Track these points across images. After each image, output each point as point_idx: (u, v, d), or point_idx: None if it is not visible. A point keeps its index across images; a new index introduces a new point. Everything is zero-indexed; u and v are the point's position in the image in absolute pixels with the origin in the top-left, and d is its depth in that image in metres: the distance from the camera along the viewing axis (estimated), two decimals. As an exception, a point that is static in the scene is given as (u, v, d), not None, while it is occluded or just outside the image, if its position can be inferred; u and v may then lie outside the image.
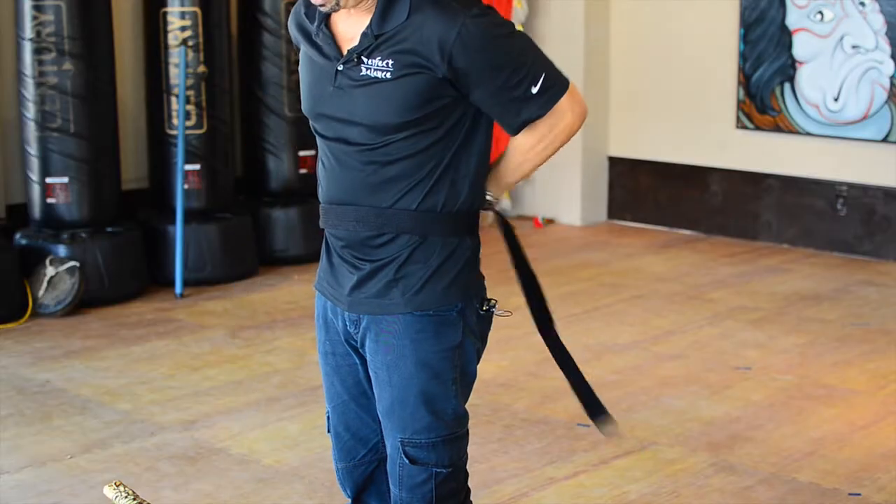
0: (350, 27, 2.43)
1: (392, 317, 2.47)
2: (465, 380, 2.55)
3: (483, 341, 2.58)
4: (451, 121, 2.42)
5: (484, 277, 2.57)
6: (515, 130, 2.45)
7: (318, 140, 2.54)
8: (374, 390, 2.55)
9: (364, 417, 2.63)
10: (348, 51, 2.42)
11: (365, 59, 2.39)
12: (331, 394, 2.66)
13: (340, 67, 2.43)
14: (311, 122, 2.55)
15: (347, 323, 2.54)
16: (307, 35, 2.51)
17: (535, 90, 2.39)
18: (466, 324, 2.50)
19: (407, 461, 2.50)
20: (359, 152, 2.44)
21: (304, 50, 2.53)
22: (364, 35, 2.40)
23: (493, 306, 2.55)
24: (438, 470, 2.51)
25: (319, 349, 2.66)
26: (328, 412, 2.69)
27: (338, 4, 2.38)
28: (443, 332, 2.47)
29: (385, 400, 2.51)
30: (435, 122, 2.40)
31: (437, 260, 2.46)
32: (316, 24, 2.47)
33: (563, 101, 2.43)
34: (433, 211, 2.44)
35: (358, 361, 2.59)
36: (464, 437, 2.56)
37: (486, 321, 2.56)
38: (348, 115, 2.42)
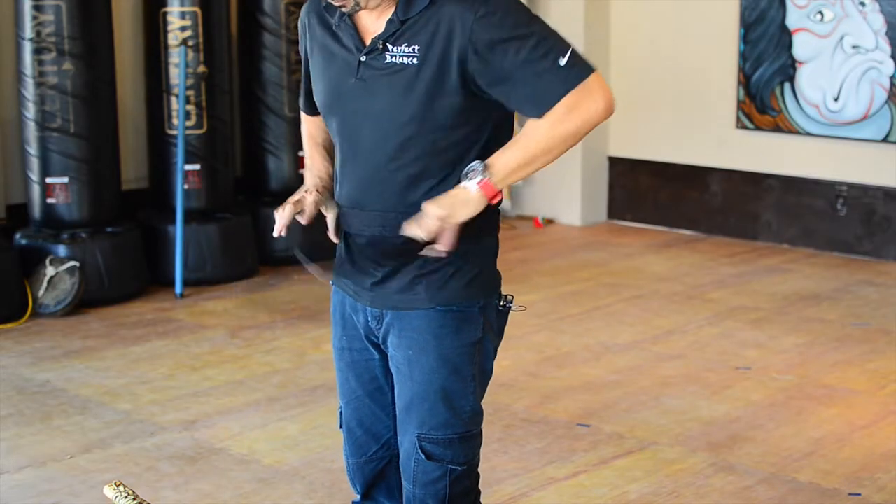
0: (373, 21, 2.41)
1: (415, 312, 2.47)
2: (483, 377, 2.55)
3: (500, 338, 2.58)
4: (475, 119, 2.38)
5: (500, 274, 2.57)
6: (542, 109, 2.31)
7: (337, 138, 2.51)
8: (395, 386, 2.54)
9: (378, 413, 2.63)
10: (373, 39, 2.39)
11: (390, 47, 2.36)
12: (345, 389, 2.65)
13: (363, 58, 2.39)
14: (327, 119, 2.51)
15: (369, 318, 2.53)
16: (327, 26, 2.48)
17: (563, 62, 2.30)
18: (487, 320, 2.50)
19: (423, 457, 2.50)
20: (380, 149, 2.41)
21: (321, 42, 2.49)
22: (390, 21, 2.37)
23: (511, 302, 2.55)
24: (454, 467, 2.51)
25: (335, 344, 2.65)
26: (341, 408, 2.68)
27: (358, 5, 2.36)
28: (464, 328, 2.47)
29: (405, 395, 2.51)
30: (458, 119, 2.36)
31: (462, 257, 2.44)
32: (338, 15, 2.44)
33: (593, 79, 2.31)
34: None
35: (377, 357, 2.58)
36: (478, 436, 2.56)
37: (503, 317, 2.56)
38: (370, 107, 2.40)
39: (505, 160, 2.35)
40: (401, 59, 2.35)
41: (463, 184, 2.35)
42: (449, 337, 2.46)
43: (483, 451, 4.08)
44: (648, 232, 7.69)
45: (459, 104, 2.35)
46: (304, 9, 2.57)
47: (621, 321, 5.69)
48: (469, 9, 2.31)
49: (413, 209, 2.38)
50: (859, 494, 3.78)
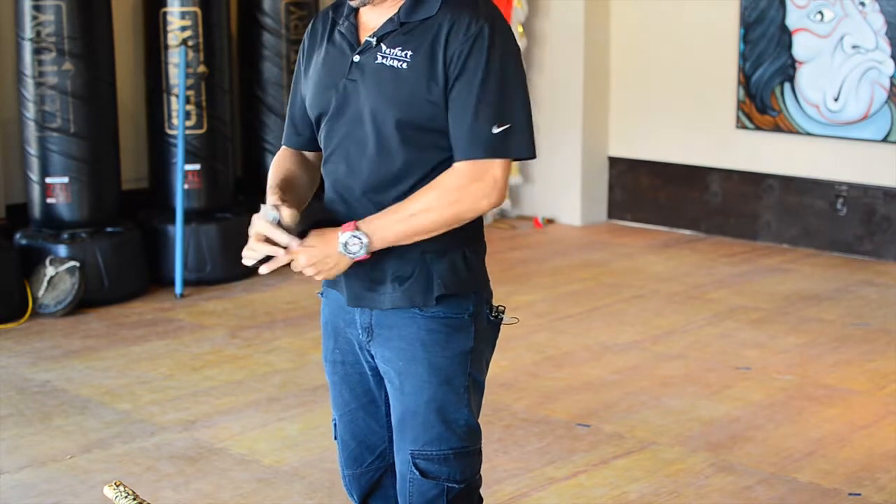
0: (375, 18, 2.40)
1: (402, 319, 2.42)
2: (477, 389, 2.48)
3: (492, 350, 2.53)
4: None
5: (489, 283, 2.52)
6: (459, 157, 2.34)
7: (324, 141, 2.47)
8: (390, 401, 2.50)
9: (372, 425, 2.59)
10: (366, 39, 2.38)
11: (384, 47, 2.35)
12: (338, 402, 2.61)
13: (356, 59, 2.38)
14: (316, 123, 2.49)
15: (360, 331, 2.49)
16: (333, 28, 2.46)
17: (495, 129, 2.31)
18: (478, 329, 2.45)
19: (418, 474, 2.44)
20: (361, 148, 2.38)
21: (323, 45, 2.48)
22: (389, 21, 2.36)
23: (503, 313, 2.50)
24: (450, 485, 2.44)
25: (327, 357, 2.61)
26: (335, 420, 2.64)
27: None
28: (455, 336, 2.42)
29: (398, 410, 2.46)
30: (437, 125, 2.34)
31: (445, 263, 2.40)
32: (344, 15, 2.44)
33: (501, 165, 2.33)
34: None
35: (369, 371, 2.54)
36: (477, 455, 2.49)
37: (495, 328, 2.51)
38: (355, 108, 2.38)
39: (384, 234, 2.33)
40: (391, 63, 2.34)
41: (342, 251, 2.33)
42: (439, 345, 2.41)
43: (483, 451, 4.09)
44: (648, 232, 7.69)
45: (440, 113, 2.34)
46: (318, 14, 2.56)
47: (621, 321, 5.69)
48: (460, 22, 2.31)
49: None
50: (859, 494, 3.78)
